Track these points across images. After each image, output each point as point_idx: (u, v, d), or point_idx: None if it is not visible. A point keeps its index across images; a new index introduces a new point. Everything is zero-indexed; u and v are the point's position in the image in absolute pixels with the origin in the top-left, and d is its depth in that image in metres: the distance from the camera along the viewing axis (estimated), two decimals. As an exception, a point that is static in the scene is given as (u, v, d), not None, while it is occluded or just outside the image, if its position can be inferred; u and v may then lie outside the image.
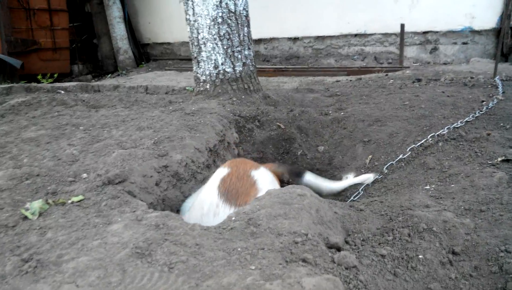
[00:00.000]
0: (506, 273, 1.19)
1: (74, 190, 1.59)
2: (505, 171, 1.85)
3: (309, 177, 2.17)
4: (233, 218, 1.30)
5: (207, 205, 1.66)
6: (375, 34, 7.89)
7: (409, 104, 3.09)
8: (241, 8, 3.35)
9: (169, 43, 10.35)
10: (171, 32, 9.98)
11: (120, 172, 1.63)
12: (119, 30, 9.68)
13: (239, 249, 1.09)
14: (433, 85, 4.39)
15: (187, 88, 6.11)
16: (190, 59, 3.62)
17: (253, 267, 0.99)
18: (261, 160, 2.67)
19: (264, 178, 1.84)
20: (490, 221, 1.46)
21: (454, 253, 1.30)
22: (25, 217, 1.32)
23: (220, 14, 3.26)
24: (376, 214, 1.55)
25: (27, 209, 1.36)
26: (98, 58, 10.61)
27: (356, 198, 2.13)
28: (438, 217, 1.48)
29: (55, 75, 7.66)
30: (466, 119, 2.67)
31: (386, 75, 6.03)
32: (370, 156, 2.41)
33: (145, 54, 10.63)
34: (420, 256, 1.26)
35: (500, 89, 3.75)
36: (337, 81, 5.81)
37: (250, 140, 2.76)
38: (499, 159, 2.00)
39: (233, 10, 3.30)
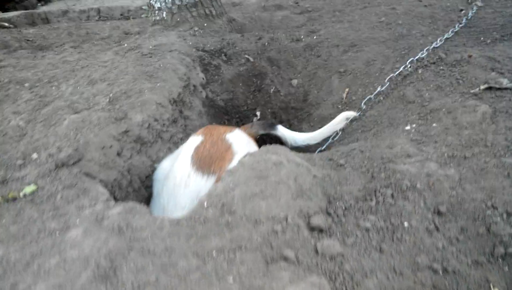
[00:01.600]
0: (493, 235, 1.15)
1: (25, 176, 1.43)
2: (488, 103, 1.76)
3: (282, 131, 2.07)
4: (205, 204, 1.18)
5: (179, 175, 1.58)
6: None
7: (385, 21, 2.87)
8: None
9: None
10: None
11: (73, 152, 1.46)
12: None
13: (214, 252, 0.99)
14: (408, -11, 4.08)
15: (143, 7, 5.59)
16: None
17: (231, 279, 0.90)
18: (231, 101, 2.50)
19: (240, 140, 1.75)
20: (475, 171, 1.39)
21: (439, 213, 1.25)
22: (-29, 227, 1.17)
23: None
24: (357, 171, 1.46)
25: (-28, 214, 1.21)
26: (40, -24, 9.47)
27: (335, 139, 2.04)
28: (421, 170, 1.40)
29: (-4, 6, 6.84)
30: (446, 36, 2.50)
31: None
32: (347, 90, 2.27)
33: (93, -34, 9.53)
34: (405, 224, 1.20)
35: (479, -9, 3.51)
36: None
37: (218, 79, 2.54)
38: (482, 87, 1.89)
39: None
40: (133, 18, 5.47)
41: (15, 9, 8.30)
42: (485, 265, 1.09)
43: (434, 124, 1.71)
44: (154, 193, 1.68)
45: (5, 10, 8.02)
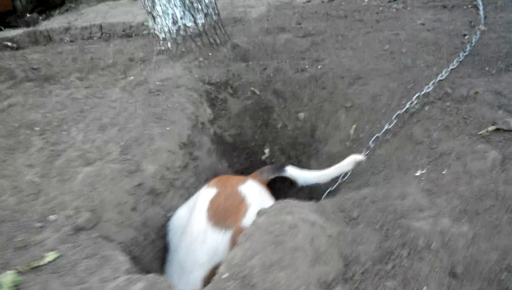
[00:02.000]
0: (508, 301, 1.17)
1: (44, 240, 1.45)
2: (497, 148, 1.78)
3: (291, 172, 2.10)
4: (225, 276, 1.21)
5: (195, 231, 1.62)
6: None
7: (389, 49, 2.89)
8: (195, -50, 2.91)
9: (117, -36, 9.29)
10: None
11: (91, 215, 1.49)
12: (57, -45, 8.54)
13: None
14: (411, 8, 4.12)
15: (145, 23, 5.61)
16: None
17: None
18: (239, 137, 2.52)
19: (252, 191, 1.78)
20: (488, 227, 1.42)
21: (455, 275, 1.27)
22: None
23: (172, -39, 2.83)
24: (371, 227, 1.48)
25: (-4, 289, 1.23)
26: (40, -10, 9.49)
27: (344, 179, 2.06)
28: (434, 227, 1.43)
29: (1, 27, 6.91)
30: (450, 67, 2.52)
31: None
32: (354, 126, 2.29)
33: (92, -21, 9.55)
34: (424, 288, 1.22)
35: (481, 13, 3.54)
36: (308, 1, 5.46)
37: (225, 114, 2.56)
38: (489, 128, 1.91)
39: (187, -46, 2.86)
40: (135, 35, 5.50)
41: (16, 22, 8.33)
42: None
43: (444, 171, 1.74)
44: (171, 247, 1.70)
45: (6, 24, 8.05)
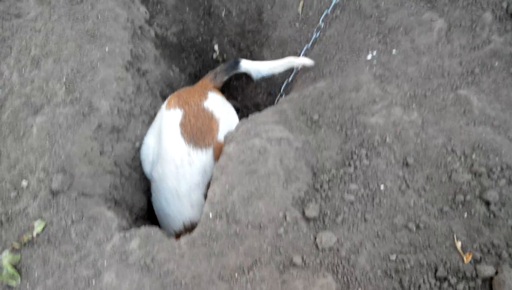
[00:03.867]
0: (454, 183, 1.38)
1: (25, 208, 1.49)
2: (442, 13, 1.79)
3: (246, 66, 2.06)
4: (211, 215, 1.33)
5: (178, 157, 1.67)
6: None
7: None
8: None
9: None
10: None
11: (63, 175, 1.49)
12: None
13: (236, 274, 1.18)
14: None
15: None
16: None
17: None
18: (183, 34, 2.36)
19: (217, 105, 1.83)
20: (435, 111, 1.54)
21: (407, 165, 1.44)
22: (9, 287, 1.30)
23: None
24: (331, 129, 1.58)
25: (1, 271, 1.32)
26: None
27: (299, 70, 2.06)
28: (388, 119, 1.54)
29: None
30: None
31: None
32: (302, 3, 2.17)
33: None
34: (381, 187, 1.40)
35: None
36: None
37: (162, 9, 2.33)
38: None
39: None
40: None
41: None
42: (449, 213, 1.34)
43: (394, 52, 1.77)
44: (153, 177, 1.77)
45: None
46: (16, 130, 1.71)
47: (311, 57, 2.05)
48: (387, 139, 1.50)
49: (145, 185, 1.88)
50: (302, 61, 1.92)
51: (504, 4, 1.74)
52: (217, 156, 1.68)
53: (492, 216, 1.30)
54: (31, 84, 1.85)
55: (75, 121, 1.69)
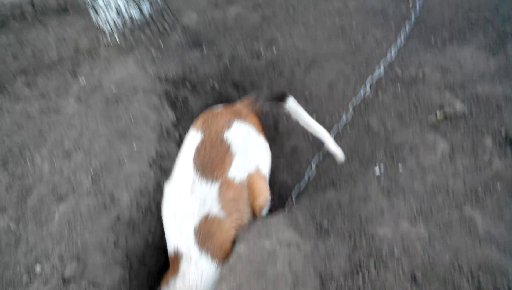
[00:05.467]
0: (461, 300, 1.38)
1: (35, 295, 1.50)
2: (446, 137, 1.94)
3: (292, 104, 2.05)
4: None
5: (184, 181, 1.67)
6: None
7: (340, 25, 2.92)
8: None
9: None
10: None
11: (77, 265, 1.54)
12: None
13: None
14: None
15: (81, -6, 5.22)
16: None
17: None
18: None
19: (238, 138, 1.80)
20: (441, 227, 1.60)
21: (415, 281, 1.46)
22: None
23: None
24: (340, 237, 1.63)
25: None
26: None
27: (310, 177, 2.18)
28: (396, 232, 1.60)
29: None
30: (399, 43, 2.61)
31: None
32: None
33: None
34: (390, 300, 1.41)
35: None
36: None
37: (188, 114, 2.57)
38: (438, 115, 2.06)
39: None
40: (71, 7, 5.13)
41: None
42: (457, 333, 1.32)
43: (400, 167, 1.89)
44: (164, 196, 1.76)
45: None
46: (38, 216, 1.80)
47: (322, 168, 2.19)
48: (395, 252, 1.54)
49: (152, 282, 1.89)
50: (333, 148, 1.97)
51: (503, 131, 1.90)
52: (223, 192, 1.67)
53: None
54: (60, 174, 1.99)
55: (96, 212, 1.78)
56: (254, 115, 2.05)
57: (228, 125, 1.82)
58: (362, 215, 1.70)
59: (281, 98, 2.05)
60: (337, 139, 2.22)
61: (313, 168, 2.19)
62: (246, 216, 1.77)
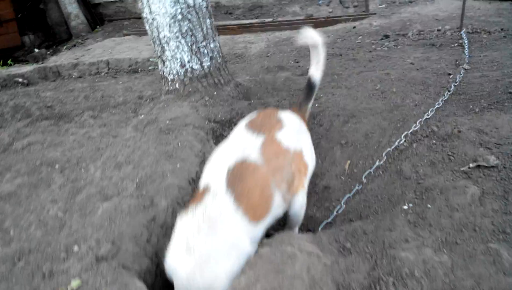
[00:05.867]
0: (481, 323, 1.34)
1: (69, 268, 1.62)
2: (477, 183, 1.97)
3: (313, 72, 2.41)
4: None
5: (232, 136, 1.90)
6: (339, -25, 7.66)
7: (380, 89, 3.12)
8: (200, 0, 3.17)
9: (122, 1, 9.75)
10: (123, -11, 9.38)
11: (111, 246, 1.66)
12: (66, -7, 9.00)
13: None
14: (401, 47, 4.39)
15: (150, 59, 5.88)
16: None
17: None
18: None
19: (289, 120, 1.98)
20: (465, 257, 1.59)
21: (435, 301, 1.44)
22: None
23: (179, 11, 3.09)
24: (361, 256, 1.65)
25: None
26: (48, 25, 9.90)
27: (340, 211, 2.23)
28: (418, 256, 1.60)
29: (9, 62, 7.26)
30: (436, 106, 2.74)
31: (354, 27, 5.97)
32: (349, 162, 2.49)
33: (98, 15, 9.99)
34: (406, 314, 1.39)
35: (466, 52, 3.80)
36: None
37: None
38: (471, 165, 2.10)
39: (192, 4, 3.12)
40: (141, 70, 5.78)
41: (25, 57, 8.68)
42: None
43: (428, 205, 1.92)
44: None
45: (14, 58, 8.39)
46: (84, 210, 1.97)
47: (351, 206, 2.24)
48: (416, 273, 1.53)
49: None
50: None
51: (535, 181, 1.90)
52: (266, 145, 1.75)
53: None
54: (109, 180, 2.19)
55: (135, 210, 1.93)
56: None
57: (283, 111, 2.07)
58: (386, 241, 1.72)
59: (311, 87, 2.38)
60: (369, 181, 2.30)
61: (342, 205, 2.25)
62: (286, 177, 1.79)
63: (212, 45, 3.33)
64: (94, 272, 1.59)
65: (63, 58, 7.49)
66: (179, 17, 3.10)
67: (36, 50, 8.83)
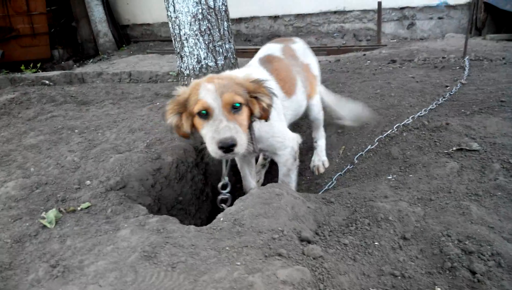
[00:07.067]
0: (444, 255, 1.47)
1: (81, 196, 1.82)
2: (457, 160, 2.13)
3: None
4: (221, 219, 1.55)
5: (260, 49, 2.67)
6: (353, 10, 8.03)
7: (380, 93, 3.34)
8: (220, 4, 3.50)
9: (148, 24, 10.34)
10: (150, 13, 9.96)
11: (120, 179, 1.86)
12: (97, 13, 9.62)
13: (227, 247, 1.34)
14: (406, 68, 4.63)
15: (170, 72, 6.23)
16: (171, 40, 3.75)
17: (238, 263, 1.24)
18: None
19: (299, 41, 2.91)
20: (437, 209, 1.74)
21: (405, 238, 1.58)
22: (44, 226, 1.54)
23: (200, 11, 3.41)
24: (343, 206, 1.82)
25: (43, 219, 1.59)
26: (78, 42, 10.53)
27: (330, 186, 2.40)
28: (394, 207, 1.76)
29: (38, 65, 7.69)
30: (430, 107, 2.93)
31: (364, 54, 6.24)
32: (343, 147, 2.67)
33: (125, 36, 10.59)
34: (376, 243, 1.54)
35: (466, 72, 4.01)
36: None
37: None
38: (454, 148, 2.27)
39: (213, 6, 3.45)
40: (160, 81, 6.12)
41: (53, 69, 9.20)
42: (435, 274, 1.40)
43: (410, 175, 2.08)
44: None
45: (43, 69, 8.90)
46: (98, 158, 2.19)
47: (342, 181, 2.41)
48: (390, 218, 1.68)
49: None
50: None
51: (511, 160, 2.06)
52: (285, 49, 2.60)
53: (477, 281, 1.34)
54: (122, 140, 2.42)
55: (144, 161, 2.13)
56: None
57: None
58: (367, 197, 1.88)
59: None
60: (360, 162, 2.47)
61: (333, 180, 2.41)
62: (301, 73, 2.51)
63: (227, 46, 3.62)
64: (102, 198, 1.78)
65: (89, 68, 7.95)
66: (200, 16, 3.42)
67: (63, 62, 9.38)
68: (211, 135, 1.66)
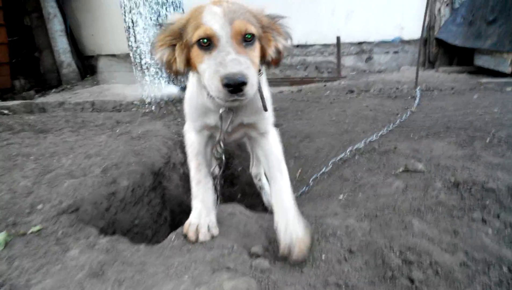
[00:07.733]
0: (386, 265, 1.55)
1: (32, 220, 1.80)
2: (403, 180, 2.26)
3: None
4: (173, 238, 1.57)
5: None
6: (315, 45, 8.37)
7: (335, 120, 3.50)
8: (182, 35, 3.61)
9: (114, 55, 10.36)
10: (116, 44, 10.00)
11: (72, 203, 1.86)
12: (61, 44, 9.58)
13: (176, 263, 1.37)
14: (362, 97, 4.86)
15: (134, 102, 6.24)
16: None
17: (186, 277, 1.27)
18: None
19: None
20: (382, 224, 1.83)
21: (350, 251, 1.66)
22: (-8, 249, 1.52)
23: (162, 41, 3.50)
24: (295, 224, 1.88)
25: (-9, 242, 1.56)
26: (40, 72, 10.37)
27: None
28: (342, 223, 1.84)
29: (-2, 95, 7.51)
30: (381, 132, 3.10)
31: (325, 85, 6.50)
32: (300, 170, 2.76)
33: (90, 66, 10.54)
34: (323, 257, 1.60)
35: (416, 101, 4.26)
36: (280, 92, 6.18)
37: (194, 160, 3.02)
38: (401, 169, 2.41)
39: (174, 37, 3.55)
40: (124, 111, 6.11)
41: (13, 99, 8.98)
42: (377, 283, 1.48)
43: (360, 194, 2.18)
44: None
45: (3, 100, 8.67)
46: (51, 183, 2.17)
47: (298, 202, 2.48)
48: (338, 233, 1.76)
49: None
50: None
51: (453, 179, 2.20)
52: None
53: (415, 288, 1.42)
54: (78, 166, 2.41)
55: (99, 185, 2.14)
56: None
57: None
58: (318, 215, 1.96)
59: None
60: (315, 184, 2.56)
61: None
62: None
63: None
64: (54, 221, 1.77)
65: (50, 98, 7.82)
66: (160, 47, 3.51)
67: (24, 93, 9.19)
68: (214, 68, 1.31)
